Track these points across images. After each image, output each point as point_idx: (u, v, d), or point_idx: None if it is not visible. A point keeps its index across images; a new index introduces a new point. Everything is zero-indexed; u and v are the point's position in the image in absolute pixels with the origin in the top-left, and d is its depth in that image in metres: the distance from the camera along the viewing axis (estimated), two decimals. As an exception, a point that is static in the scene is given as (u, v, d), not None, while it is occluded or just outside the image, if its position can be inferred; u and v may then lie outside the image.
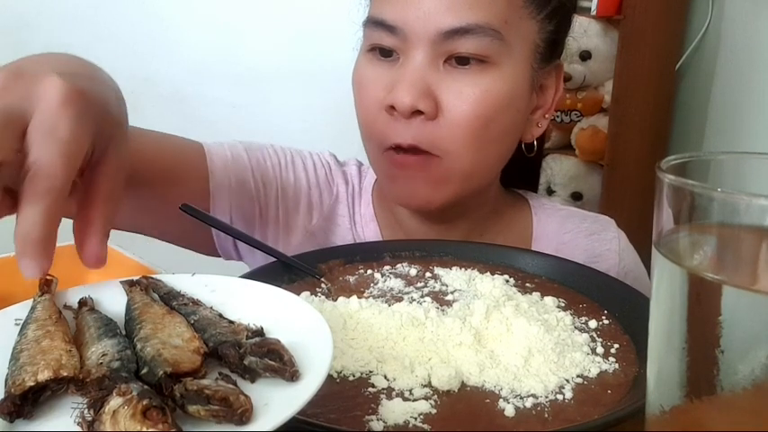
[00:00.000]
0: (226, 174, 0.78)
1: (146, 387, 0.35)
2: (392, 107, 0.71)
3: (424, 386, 0.47)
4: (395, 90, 0.71)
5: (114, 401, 0.33)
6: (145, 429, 0.32)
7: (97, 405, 0.34)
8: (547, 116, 0.82)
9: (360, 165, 0.92)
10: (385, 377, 0.48)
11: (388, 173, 0.76)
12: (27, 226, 0.41)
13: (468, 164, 0.74)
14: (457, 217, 0.83)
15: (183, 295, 0.49)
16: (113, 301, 0.48)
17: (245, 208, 0.79)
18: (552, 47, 0.78)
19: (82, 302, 0.47)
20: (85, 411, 0.35)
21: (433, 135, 0.72)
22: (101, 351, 0.40)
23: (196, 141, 0.79)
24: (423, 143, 0.72)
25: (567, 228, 0.88)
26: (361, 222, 0.86)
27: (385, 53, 0.74)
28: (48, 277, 0.48)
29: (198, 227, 0.76)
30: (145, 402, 0.33)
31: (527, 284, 0.65)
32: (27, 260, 0.41)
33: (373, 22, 0.73)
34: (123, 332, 0.44)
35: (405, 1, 0.71)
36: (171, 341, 0.40)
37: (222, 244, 0.82)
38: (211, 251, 0.83)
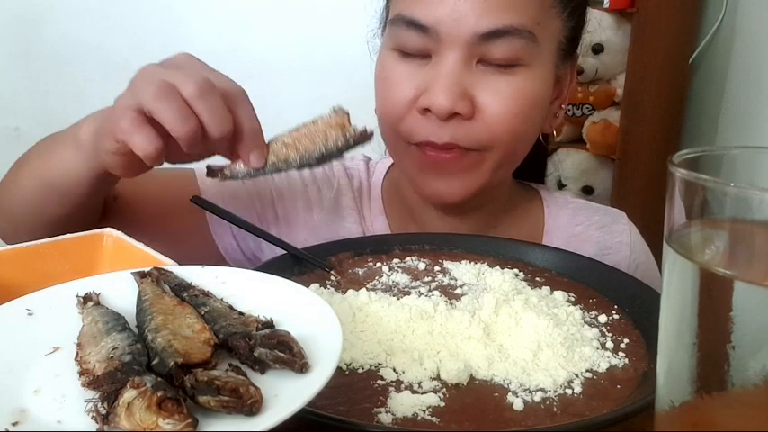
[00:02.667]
0: (217, 190, 0.79)
1: (159, 379, 0.35)
2: (427, 109, 0.71)
3: (433, 379, 0.47)
4: (430, 92, 0.71)
5: (128, 394, 0.33)
6: (161, 420, 0.32)
7: (110, 398, 0.34)
8: (563, 106, 0.83)
9: (367, 160, 0.92)
10: (394, 370, 0.48)
11: (420, 167, 0.76)
12: (248, 121, 0.59)
13: (500, 157, 0.75)
14: (471, 209, 0.83)
15: (194, 287, 0.49)
16: (124, 292, 0.49)
17: (242, 217, 0.80)
18: (573, 43, 0.79)
19: (87, 298, 0.48)
20: (99, 405, 0.35)
21: (470, 133, 0.72)
22: (110, 345, 0.40)
23: (188, 168, 0.81)
24: (460, 141, 0.72)
25: (578, 220, 0.87)
26: (369, 217, 0.87)
27: (414, 51, 0.73)
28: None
29: (203, 247, 0.80)
30: (159, 394, 0.33)
31: (537, 278, 0.65)
32: (258, 150, 0.60)
33: (404, 22, 0.72)
34: (132, 325, 0.44)
35: (439, 2, 0.70)
36: (182, 332, 0.40)
37: (231, 255, 0.83)
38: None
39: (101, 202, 0.73)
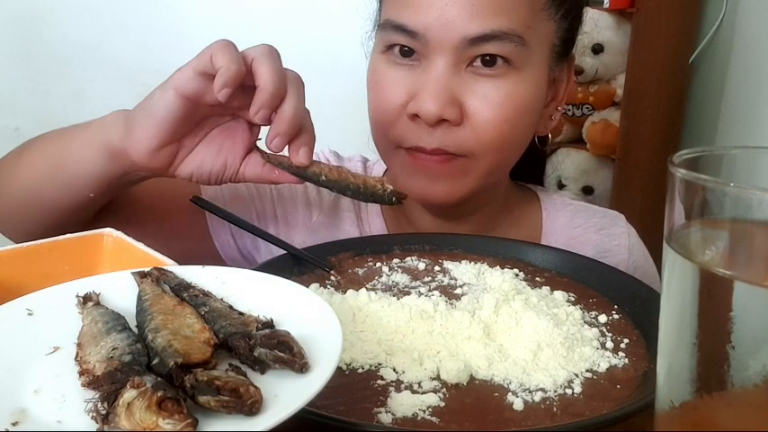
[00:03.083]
0: (217, 189, 0.79)
1: (159, 379, 0.35)
2: (416, 115, 0.71)
3: (433, 379, 0.47)
4: (419, 98, 0.71)
5: (128, 394, 0.33)
6: (161, 420, 0.32)
7: (110, 398, 0.34)
8: (559, 108, 0.82)
9: (365, 161, 0.92)
10: (394, 370, 0.48)
11: (407, 169, 0.76)
12: (309, 125, 0.64)
13: (491, 162, 0.74)
14: (468, 212, 0.83)
15: (194, 287, 0.49)
16: (124, 292, 0.49)
17: (241, 215, 0.80)
18: (567, 44, 0.78)
19: (87, 298, 0.48)
20: (99, 405, 0.35)
21: (458, 139, 0.72)
22: (110, 345, 0.40)
23: None
24: (449, 147, 0.72)
25: (576, 222, 0.87)
26: (367, 219, 0.86)
27: (404, 53, 0.73)
28: None
29: (200, 245, 0.80)
30: (159, 394, 0.33)
31: (537, 278, 0.65)
32: (308, 148, 0.64)
33: (392, 27, 0.72)
34: (132, 325, 0.44)
35: (427, 6, 0.69)
36: (182, 332, 0.40)
37: (227, 252, 0.83)
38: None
39: (106, 199, 0.72)
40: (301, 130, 0.63)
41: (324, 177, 0.65)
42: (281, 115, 0.61)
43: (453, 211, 0.82)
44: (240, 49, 0.61)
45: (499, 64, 0.70)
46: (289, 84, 0.61)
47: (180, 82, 0.61)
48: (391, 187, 0.67)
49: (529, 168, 0.90)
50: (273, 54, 0.61)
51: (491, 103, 0.71)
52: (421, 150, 0.73)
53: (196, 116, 0.64)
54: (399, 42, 0.72)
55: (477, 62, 0.71)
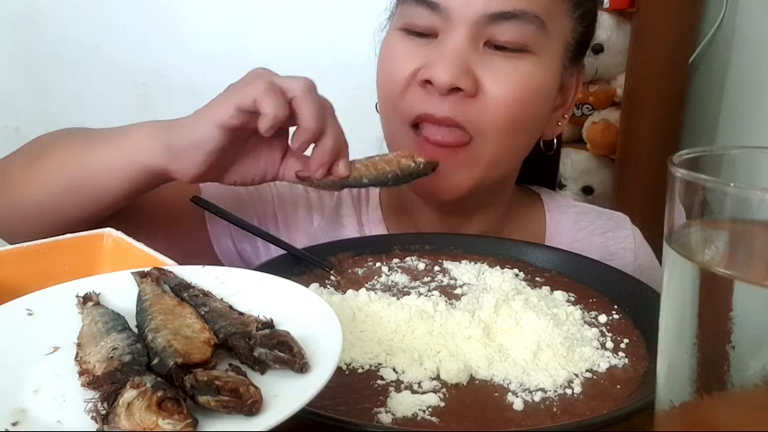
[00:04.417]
0: (219, 192, 0.79)
1: (159, 379, 0.35)
2: (427, 81, 0.71)
3: (433, 379, 0.47)
4: (432, 65, 0.70)
5: (128, 394, 0.33)
6: (161, 420, 0.32)
7: (110, 398, 0.34)
8: (566, 116, 0.83)
9: None
10: (394, 370, 0.48)
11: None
12: (341, 134, 0.66)
13: (498, 148, 0.74)
14: (472, 214, 0.83)
15: (194, 287, 0.49)
16: (124, 292, 0.49)
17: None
18: (580, 48, 0.79)
19: (87, 298, 0.48)
20: (99, 405, 0.35)
21: (470, 112, 0.71)
22: (110, 345, 0.40)
23: None
24: (458, 117, 0.72)
25: (581, 225, 0.87)
26: (368, 224, 0.86)
27: (422, 30, 0.73)
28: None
29: (201, 250, 0.80)
30: (159, 394, 0.33)
31: (537, 278, 0.65)
32: (345, 160, 0.67)
33: (415, 0, 0.72)
34: (132, 325, 0.44)
35: None
36: (182, 332, 0.40)
37: (228, 257, 0.82)
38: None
39: (123, 206, 0.72)
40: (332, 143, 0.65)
41: (365, 180, 0.68)
42: (322, 147, 0.64)
43: (458, 212, 0.82)
44: (277, 76, 0.63)
45: (513, 48, 0.71)
46: (327, 116, 0.64)
47: (223, 117, 0.62)
48: (422, 160, 0.70)
49: (541, 171, 0.90)
50: (312, 91, 0.64)
51: (506, 81, 0.71)
52: (430, 119, 0.72)
53: (238, 139, 0.65)
54: (419, 17, 0.72)
55: (493, 44, 0.71)
